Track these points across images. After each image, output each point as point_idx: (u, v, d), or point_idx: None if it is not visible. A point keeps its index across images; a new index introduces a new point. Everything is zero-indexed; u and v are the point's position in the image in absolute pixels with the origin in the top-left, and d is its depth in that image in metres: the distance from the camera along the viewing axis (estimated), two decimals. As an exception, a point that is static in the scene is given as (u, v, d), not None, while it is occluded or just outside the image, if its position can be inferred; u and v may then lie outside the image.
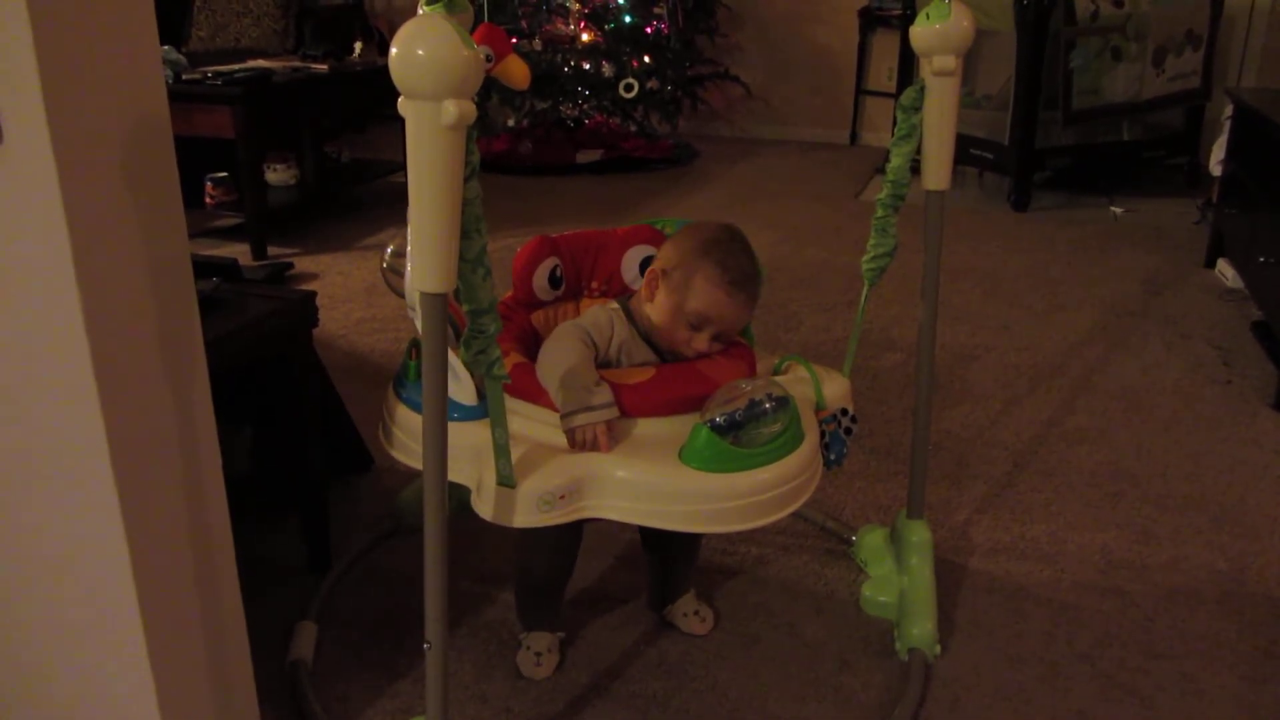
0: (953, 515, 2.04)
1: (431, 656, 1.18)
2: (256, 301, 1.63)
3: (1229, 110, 3.73)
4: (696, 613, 1.67)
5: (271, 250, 3.71)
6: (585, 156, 5.21)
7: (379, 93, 3.99)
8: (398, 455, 1.45)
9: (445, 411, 1.10)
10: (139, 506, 1.06)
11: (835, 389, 1.52)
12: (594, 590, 1.78)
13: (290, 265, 3.57)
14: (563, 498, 1.26)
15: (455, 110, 0.95)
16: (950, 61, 1.42)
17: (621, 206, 4.54)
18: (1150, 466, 2.24)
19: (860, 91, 6.05)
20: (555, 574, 1.57)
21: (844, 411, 1.48)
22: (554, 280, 1.59)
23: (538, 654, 1.57)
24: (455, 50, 0.94)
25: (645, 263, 1.60)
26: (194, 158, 3.62)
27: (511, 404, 1.32)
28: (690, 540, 1.66)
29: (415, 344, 1.44)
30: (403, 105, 0.97)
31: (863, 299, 1.64)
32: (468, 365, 1.22)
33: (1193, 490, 2.15)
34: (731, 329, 1.46)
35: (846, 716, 1.50)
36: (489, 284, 1.14)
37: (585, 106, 5.23)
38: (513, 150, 5.22)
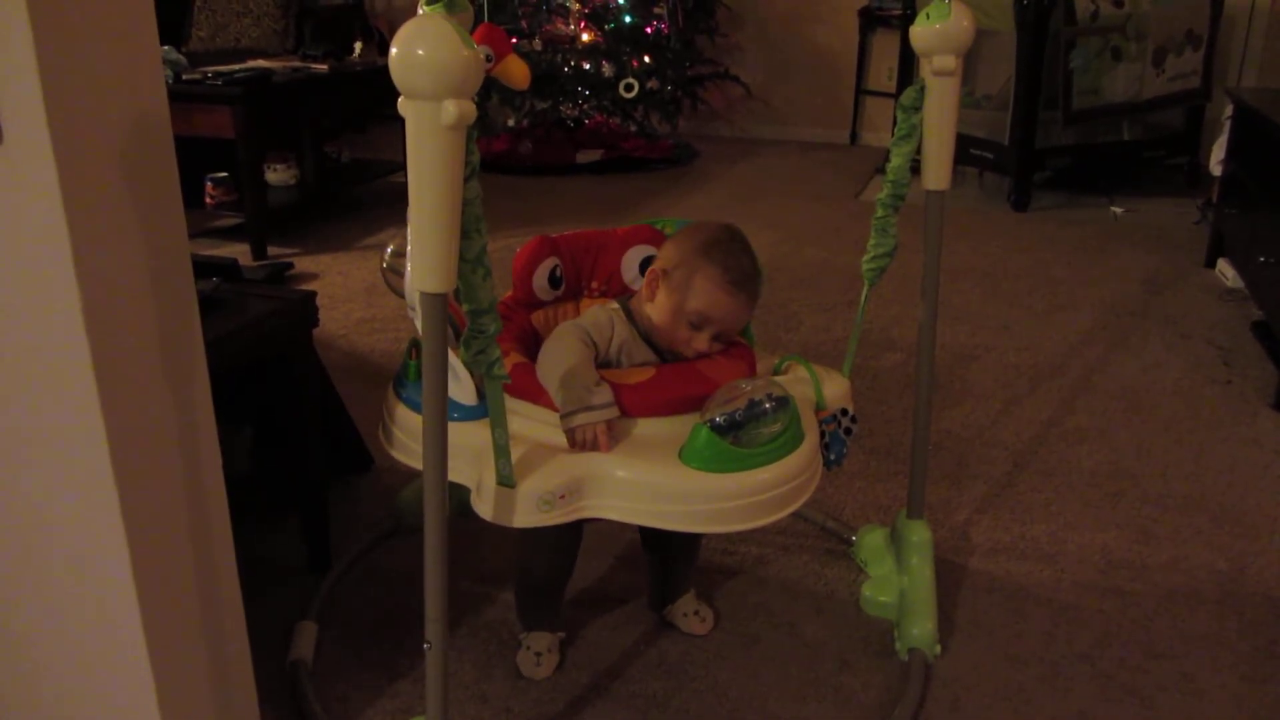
0: (953, 515, 2.04)
1: (431, 656, 1.18)
2: (256, 301, 1.63)
3: (1229, 110, 3.73)
4: (696, 613, 1.67)
5: (271, 250, 3.71)
6: (585, 156, 5.21)
7: (379, 93, 4.00)
8: (398, 455, 1.45)
9: (445, 411, 1.10)
10: (139, 506, 1.06)
11: (835, 389, 1.52)
12: (594, 590, 1.78)
13: (290, 265, 3.57)
14: (563, 498, 1.26)
15: (455, 110, 0.95)
16: (950, 61, 1.42)
17: (621, 206, 4.54)
18: (1150, 466, 2.24)
19: (860, 91, 6.05)
20: (555, 574, 1.57)
21: (844, 411, 1.48)
22: (554, 280, 1.59)
23: (538, 654, 1.57)
24: (455, 50, 0.94)
25: (645, 263, 1.60)
26: (194, 158, 3.62)
27: (511, 404, 1.32)
28: (690, 540, 1.66)
29: (415, 344, 1.44)
30: (403, 105, 0.97)
31: (863, 299, 1.64)
32: (468, 365, 1.22)
33: (1193, 490, 2.15)
34: (732, 329, 1.46)
35: (846, 716, 1.50)
36: (489, 284, 1.14)
37: (585, 106, 5.23)
38: (513, 150, 5.22)
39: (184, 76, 3.54)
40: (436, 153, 0.98)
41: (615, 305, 1.50)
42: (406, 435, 1.42)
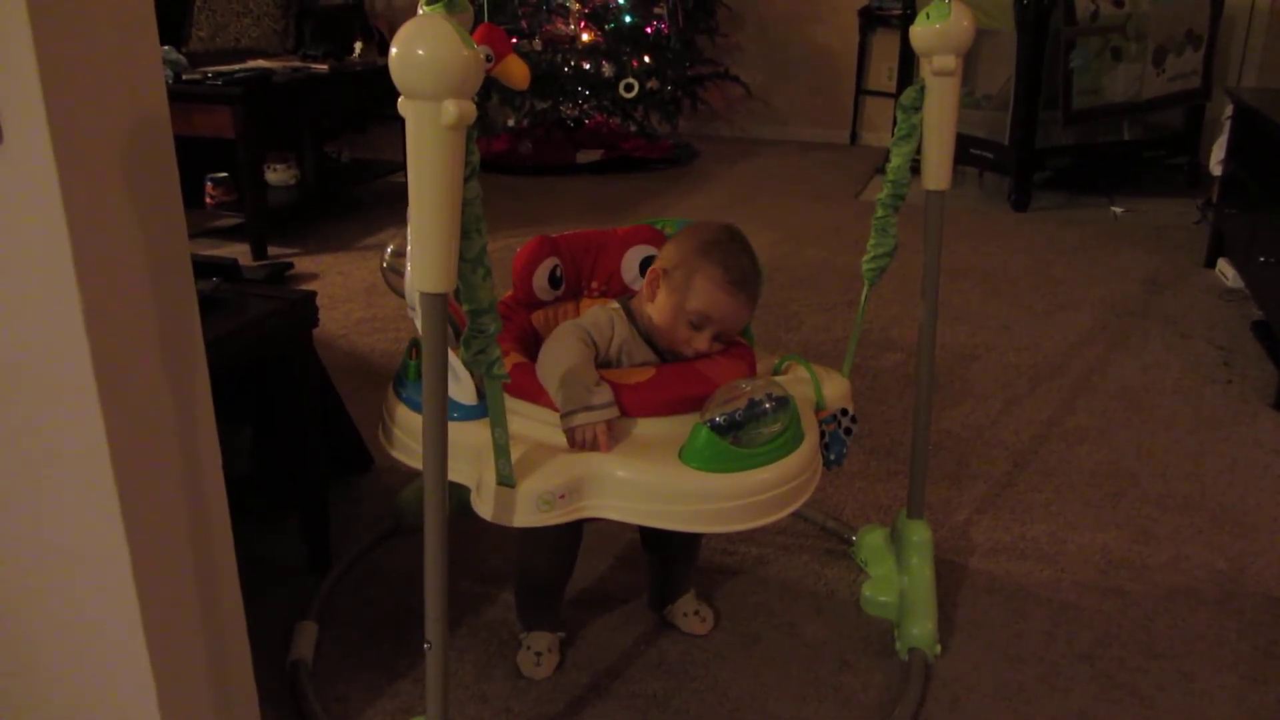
0: (953, 515, 2.04)
1: (432, 656, 1.18)
2: (256, 301, 1.63)
3: (1229, 110, 3.73)
4: (697, 613, 1.67)
5: (271, 250, 3.71)
6: (585, 156, 5.21)
7: (379, 93, 3.99)
8: (398, 455, 1.45)
9: (445, 411, 1.10)
10: (139, 506, 1.06)
11: (835, 389, 1.52)
12: (594, 590, 1.78)
13: (290, 265, 3.57)
14: (563, 497, 1.26)
15: (455, 110, 0.95)
16: (950, 61, 1.42)
17: (621, 206, 4.54)
18: (1150, 466, 2.24)
19: (860, 91, 6.06)
20: (555, 574, 1.57)
21: (844, 411, 1.48)
22: (554, 280, 1.59)
23: (538, 654, 1.57)
24: (455, 50, 0.94)
25: (645, 263, 1.60)
26: (194, 158, 3.62)
27: (511, 404, 1.32)
28: (690, 540, 1.66)
29: (415, 344, 1.44)
30: (403, 105, 0.97)
31: (863, 299, 1.63)
32: (468, 365, 1.22)
33: (1193, 490, 2.15)
34: (732, 329, 1.46)
35: (846, 716, 1.50)
36: (489, 284, 1.14)
37: (585, 106, 5.23)
38: (513, 150, 5.22)
39: (184, 76, 3.54)
40: (436, 153, 0.98)
41: (616, 305, 1.50)
42: (406, 435, 1.42)
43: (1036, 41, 4.25)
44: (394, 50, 0.95)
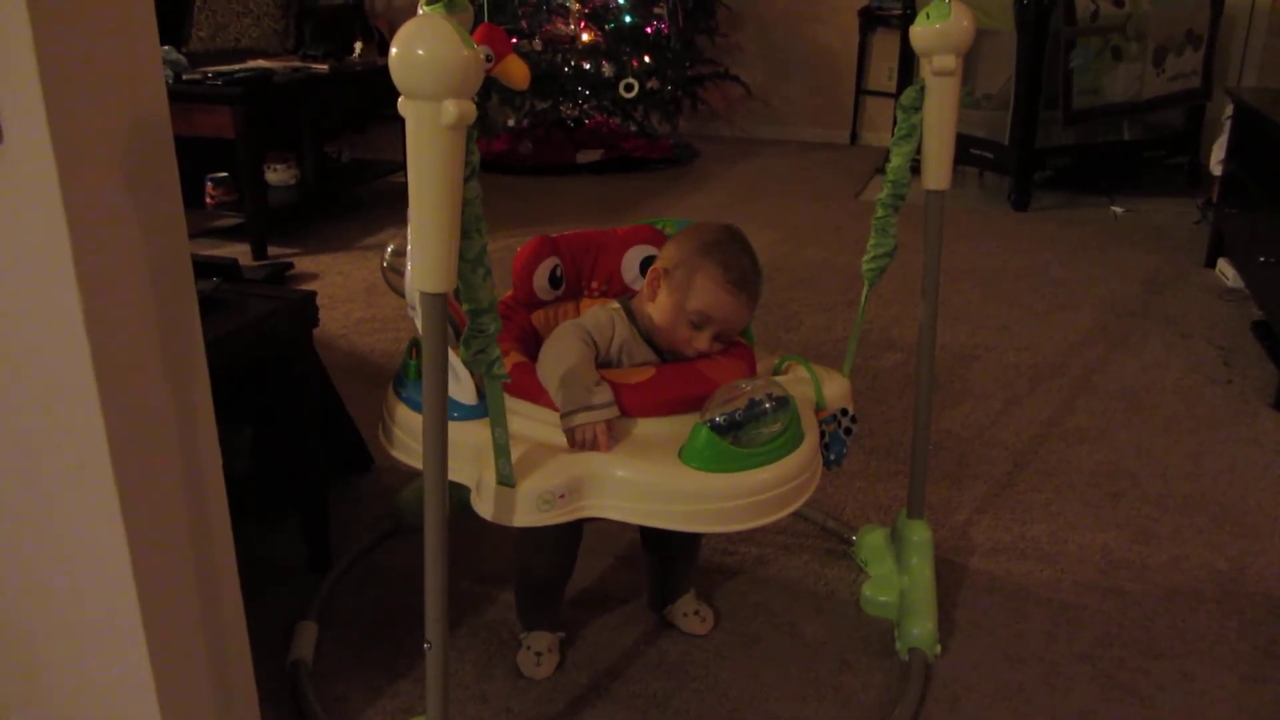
0: (953, 515, 2.04)
1: (432, 656, 1.18)
2: (256, 301, 1.63)
3: (1229, 110, 3.73)
4: (697, 613, 1.67)
5: (271, 250, 3.71)
6: (585, 156, 5.21)
7: (379, 93, 3.99)
8: (398, 455, 1.45)
9: (445, 411, 1.10)
10: (139, 506, 1.06)
11: (835, 389, 1.52)
12: (594, 590, 1.78)
13: (290, 265, 3.57)
14: (562, 497, 1.26)
15: (455, 110, 0.95)
16: (950, 61, 1.42)
17: (621, 206, 4.54)
18: (1150, 466, 2.24)
19: (860, 91, 6.05)
20: (555, 574, 1.57)
21: (844, 411, 1.48)
22: (554, 280, 1.59)
23: (538, 654, 1.57)
24: (455, 50, 0.94)
25: (645, 263, 1.60)
26: (194, 158, 3.62)
27: (511, 403, 1.32)
28: (690, 540, 1.66)
29: (415, 343, 1.44)
30: (403, 105, 0.97)
31: (863, 299, 1.63)
32: (468, 364, 1.22)
33: (1193, 490, 2.15)
34: (733, 328, 1.46)
35: (846, 716, 1.50)
36: (489, 284, 1.14)
37: (585, 106, 5.23)
38: (513, 150, 5.22)
39: (184, 76, 3.54)
40: (436, 153, 0.98)
41: (616, 305, 1.50)
42: (407, 435, 1.42)
43: (1036, 41, 4.26)
44: (394, 50, 0.95)
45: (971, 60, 4.56)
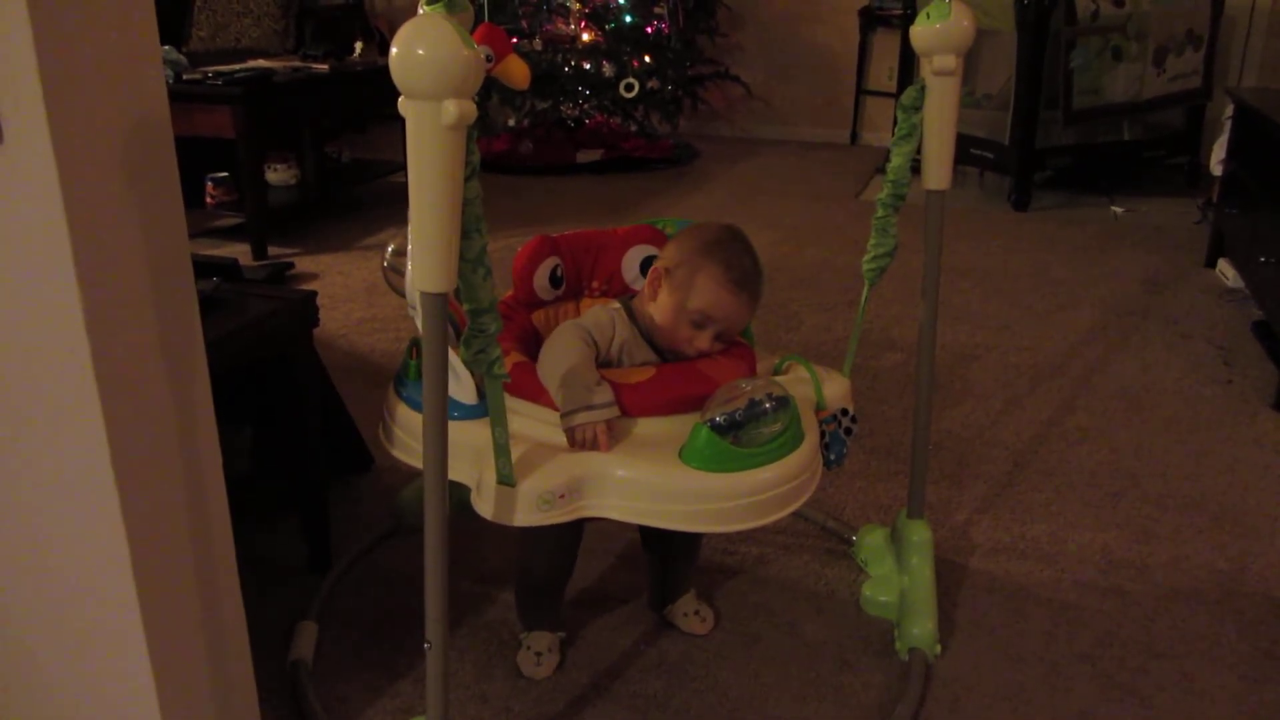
0: (953, 515, 2.04)
1: (432, 656, 1.18)
2: (257, 301, 1.63)
3: (1229, 110, 3.73)
4: (697, 612, 1.67)
5: (272, 250, 3.71)
6: (585, 156, 5.21)
7: (379, 93, 3.99)
8: (398, 454, 1.45)
9: (445, 410, 1.10)
10: (139, 506, 1.06)
11: (835, 389, 1.52)
12: (594, 590, 1.78)
13: (290, 265, 3.58)
14: (563, 497, 1.26)
15: (455, 110, 0.95)
16: (950, 61, 1.42)
17: (622, 206, 4.54)
18: (1150, 466, 2.24)
19: (860, 91, 6.06)
20: (555, 573, 1.57)
21: (844, 411, 1.48)
22: (554, 280, 1.59)
23: (538, 654, 1.57)
24: (455, 50, 0.94)
25: (646, 263, 1.60)
26: (194, 158, 3.62)
27: (512, 403, 1.32)
28: (690, 540, 1.66)
29: (416, 343, 1.44)
30: (403, 105, 0.97)
31: (863, 299, 1.63)
32: (468, 364, 1.22)
33: (1193, 490, 2.15)
34: (734, 328, 1.46)
35: (847, 716, 1.50)
36: (489, 283, 1.14)
37: (585, 106, 5.23)
38: (513, 150, 5.22)
39: (184, 76, 3.54)
40: (437, 153, 0.98)
41: (617, 305, 1.50)
42: (407, 434, 1.42)
43: (1037, 41, 4.25)
44: (394, 50, 0.95)
45: (972, 60, 4.56)
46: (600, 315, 1.46)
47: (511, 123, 5.33)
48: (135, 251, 1.03)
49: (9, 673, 1.20)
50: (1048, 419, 2.47)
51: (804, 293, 3.33)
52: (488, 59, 1.21)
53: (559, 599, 1.61)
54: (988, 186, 4.89)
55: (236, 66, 3.76)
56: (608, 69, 5.08)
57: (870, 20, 5.87)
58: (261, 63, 3.92)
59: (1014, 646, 1.65)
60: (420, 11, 0.98)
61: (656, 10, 5.16)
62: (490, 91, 4.84)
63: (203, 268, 1.28)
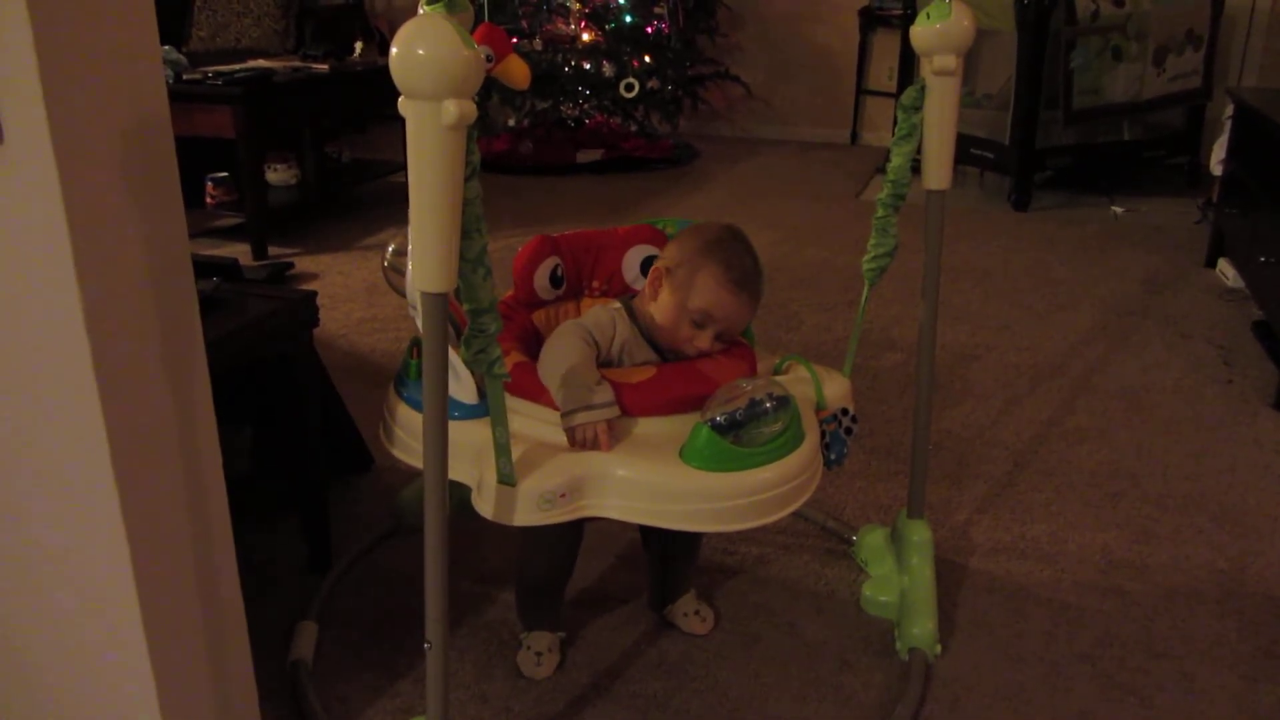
0: (953, 515, 2.04)
1: (432, 656, 1.18)
2: (257, 301, 1.63)
3: (1230, 110, 3.73)
4: (697, 612, 1.67)
5: (272, 250, 3.71)
6: (586, 156, 5.21)
7: (379, 93, 3.99)
8: (398, 454, 1.45)
9: (445, 410, 1.10)
10: (139, 506, 1.06)
11: (836, 389, 1.52)
12: (594, 590, 1.78)
13: (291, 265, 3.58)
14: (563, 496, 1.26)
15: (455, 110, 0.95)
16: (951, 61, 1.42)
17: (622, 206, 4.54)
18: (1150, 466, 2.24)
19: (861, 91, 6.06)
20: (555, 573, 1.57)
21: (844, 411, 1.48)
22: (555, 280, 1.59)
23: (538, 654, 1.57)
24: (455, 50, 0.94)
25: (646, 263, 1.60)
26: (194, 158, 3.62)
27: (512, 403, 1.32)
28: (691, 540, 1.66)
29: (416, 342, 1.44)
30: (403, 105, 0.97)
31: (863, 299, 1.63)
32: (468, 364, 1.22)
33: (1193, 490, 2.15)
34: (734, 328, 1.46)
35: (847, 716, 1.50)
36: (489, 283, 1.14)
37: (586, 106, 5.23)
38: (513, 150, 5.22)
39: (184, 76, 3.54)
40: (437, 153, 0.98)
41: (618, 305, 1.50)
42: (407, 434, 1.42)
43: (1037, 41, 4.25)
44: (394, 50, 0.95)
45: (972, 60, 4.56)
46: (601, 315, 1.46)
47: (511, 123, 5.33)
48: (135, 251, 1.03)
49: (9, 673, 1.20)
50: (1048, 419, 2.47)
51: (804, 293, 3.33)
52: (488, 59, 1.21)
53: (559, 599, 1.61)
54: (988, 186, 4.89)
55: (236, 66, 3.76)
56: (608, 69, 5.08)
57: (870, 20, 5.87)
58: (261, 63, 3.92)
59: (1014, 646, 1.65)
60: (420, 11, 0.98)
61: (656, 10, 5.15)
62: (490, 91, 4.84)
63: (203, 268, 1.28)
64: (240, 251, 3.61)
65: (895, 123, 1.54)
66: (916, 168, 1.51)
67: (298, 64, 3.96)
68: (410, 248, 1.07)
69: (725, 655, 1.62)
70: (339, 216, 4.23)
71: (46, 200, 0.93)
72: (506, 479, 1.25)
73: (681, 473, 1.27)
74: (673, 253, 1.47)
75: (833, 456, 1.46)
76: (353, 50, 4.25)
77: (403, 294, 1.35)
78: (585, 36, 5.13)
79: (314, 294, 1.73)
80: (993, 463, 2.25)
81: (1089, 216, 4.38)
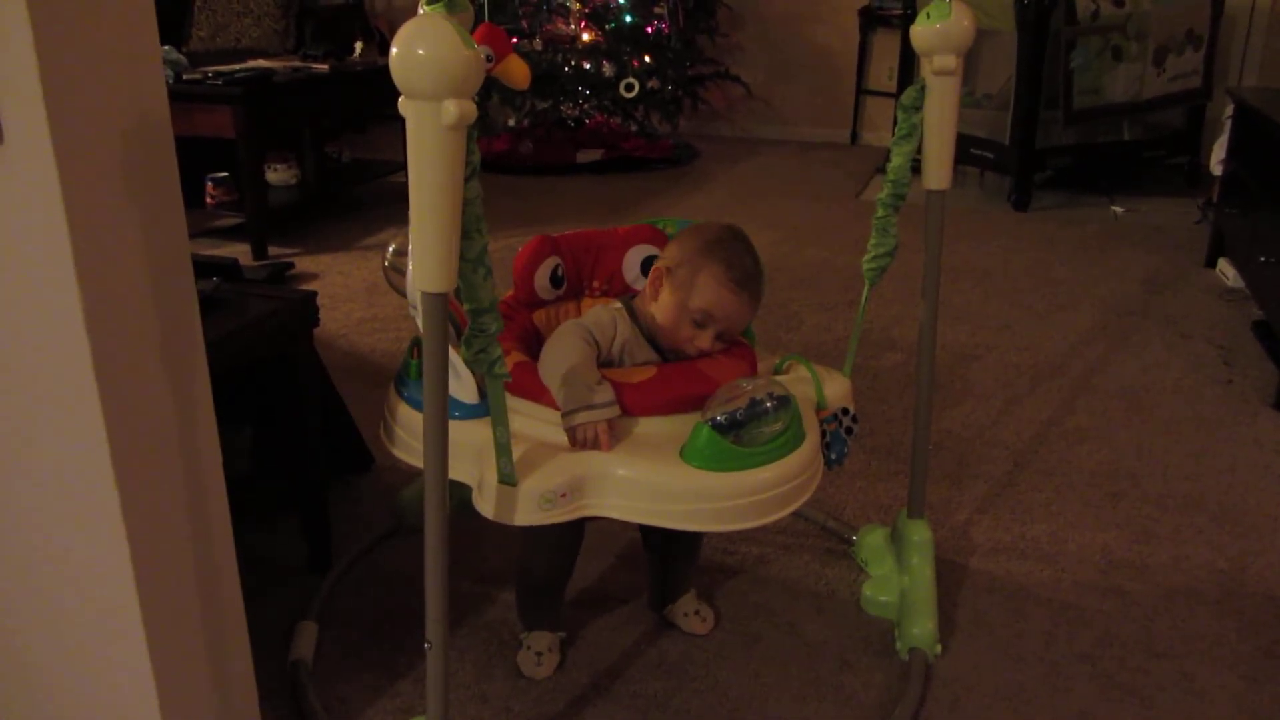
0: (953, 515, 2.04)
1: (432, 656, 1.18)
2: (257, 301, 1.63)
3: (1230, 110, 3.73)
4: (697, 612, 1.67)
5: (272, 250, 3.71)
6: (586, 156, 5.21)
7: (379, 93, 3.99)
8: (399, 453, 1.45)
9: (446, 410, 1.10)
10: (139, 506, 1.06)
11: (836, 388, 1.52)
12: (594, 590, 1.78)
13: (291, 265, 3.58)
14: (564, 496, 1.26)
15: (455, 110, 0.95)
16: (951, 61, 1.42)
17: (622, 206, 4.54)
18: (1150, 466, 2.24)
19: (861, 91, 6.05)
20: (556, 573, 1.57)
21: (845, 411, 1.48)
22: (555, 280, 1.59)
23: (538, 654, 1.57)
24: (455, 50, 0.94)
25: (646, 263, 1.60)
26: (194, 158, 3.62)
27: (513, 402, 1.32)
28: (691, 539, 1.66)
29: (417, 342, 1.44)
30: (403, 105, 0.97)
31: (863, 299, 1.63)
32: (469, 364, 1.22)
33: (1193, 490, 2.15)
34: (735, 327, 1.46)
35: (847, 716, 1.50)
36: (490, 283, 1.14)
37: (586, 106, 5.23)
38: (513, 150, 5.22)
39: (184, 76, 3.54)
40: (437, 152, 0.98)
41: (618, 305, 1.50)
42: (408, 434, 1.42)
43: (1037, 41, 4.25)
44: (394, 50, 0.95)
45: (972, 60, 4.56)
46: (601, 315, 1.46)
47: (511, 123, 5.33)
48: (135, 251, 1.03)
49: (9, 672, 1.20)
50: (1048, 419, 2.47)
51: (804, 293, 3.33)
52: (488, 59, 1.21)
53: (559, 599, 1.61)
54: (988, 186, 4.89)
55: (236, 66, 3.76)
56: (608, 69, 5.08)
57: (870, 20, 5.87)
58: (261, 63, 3.92)
59: (1014, 646, 1.65)
60: (420, 11, 0.98)
61: (656, 10, 5.15)
62: (490, 91, 4.84)
63: (203, 268, 1.28)
64: (240, 251, 3.61)
65: (895, 123, 1.54)
66: (916, 168, 1.51)
67: (298, 64, 3.96)
68: (410, 248, 1.07)
69: (725, 655, 1.62)
70: (339, 216, 4.23)
71: (46, 200, 0.93)
72: (507, 479, 1.25)
73: (682, 472, 1.27)
74: (673, 252, 1.47)
75: (833, 456, 1.46)
76: (353, 50, 4.25)
77: (403, 294, 1.35)
78: (585, 36, 5.13)
79: (314, 294, 1.73)
80: (993, 463, 2.25)
81: (1089, 216, 4.38)
